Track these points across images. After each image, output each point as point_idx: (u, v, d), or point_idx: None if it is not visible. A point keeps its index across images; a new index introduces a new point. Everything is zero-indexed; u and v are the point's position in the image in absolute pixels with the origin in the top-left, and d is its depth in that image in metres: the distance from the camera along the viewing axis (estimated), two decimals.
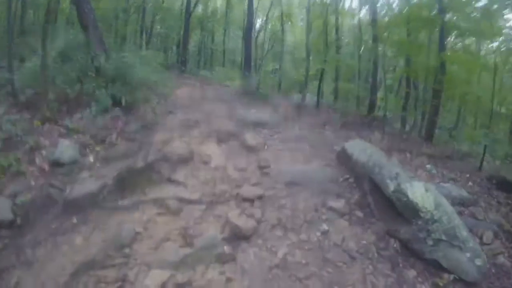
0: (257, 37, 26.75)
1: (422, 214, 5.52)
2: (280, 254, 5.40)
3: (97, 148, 8.00)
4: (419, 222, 5.55)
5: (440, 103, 13.53)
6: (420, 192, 5.71)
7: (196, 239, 5.54)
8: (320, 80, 16.35)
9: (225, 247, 5.40)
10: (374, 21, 17.95)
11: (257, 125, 10.54)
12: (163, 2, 24.93)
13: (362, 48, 22.70)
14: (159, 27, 24.92)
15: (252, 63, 27.19)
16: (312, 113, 14.04)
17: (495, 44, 20.16)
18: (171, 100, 13.29)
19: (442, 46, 12.98)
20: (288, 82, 24.92)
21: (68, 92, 9.07)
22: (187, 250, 5.31)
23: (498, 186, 8.45)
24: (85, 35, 9.99)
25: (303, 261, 5.32)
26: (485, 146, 10.04)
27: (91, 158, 7.66)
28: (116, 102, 9.57)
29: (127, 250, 5.29)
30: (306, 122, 12.30)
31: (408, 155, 10.23)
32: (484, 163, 9.99)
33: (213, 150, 8.53)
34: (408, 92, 15.64)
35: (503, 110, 18.57)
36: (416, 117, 15.71)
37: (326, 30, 17.21)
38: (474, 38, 18.32)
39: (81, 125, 8.47)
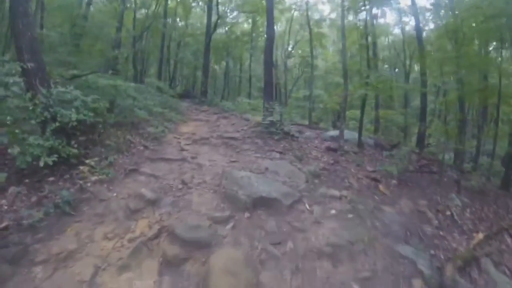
0: (286, 62, 21.40)
1: None
2: None
3: None
4: None
5: None
6: None
7: None
8: (363, 110, 10.61)
9: None
10: (419, 34, 12.71)
11: (261, 205, 5.11)
12: (187, 27, 20.38)
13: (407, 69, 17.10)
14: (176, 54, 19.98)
15: (282, 90, 22.03)
16: (354, 159, 8.37)
17: None
18: (159, 143, 8.26)
19: None
20: (321, 110, 19.33)
21: None
22: None
23: None
24: (18, 61, 5.75)
25: None
26: None
27: None
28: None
29: None
30: (348, 183, 6.66)
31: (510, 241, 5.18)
32: None
33: None
34: (462, 119, 10.32)
35: None
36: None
37: (367, 46, 11.44)
38: None
39: None
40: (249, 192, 5.12)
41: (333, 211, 5.07)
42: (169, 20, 18.82)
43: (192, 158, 7.31)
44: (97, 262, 3.79)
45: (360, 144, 9.94)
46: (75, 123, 5.70)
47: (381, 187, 6.82)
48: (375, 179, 7.20)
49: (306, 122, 14.66)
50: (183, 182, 5.77)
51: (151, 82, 12.88)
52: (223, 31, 21.68)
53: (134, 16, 15.85)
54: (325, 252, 3.98)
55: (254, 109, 16.30)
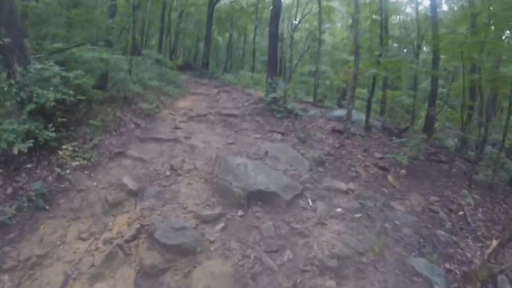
0: (292, 35, 20.15)
1: None
2: None
3: None
4: None
5: None
6: None
7: None
8: (372, 90, 9.81)
9: None
10: (434, 15, 11.54)
11: (257, 200, 4.56)
12: None
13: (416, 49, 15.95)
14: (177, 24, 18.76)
15: (287, 65, 20.95)
16: (360, 143, 7.69)
17: None
18: (152, 120, 7.60)
19: None
20: (326, 87, 18.37)
21: None
22: None
23: None
24: None
25: None
26: None
27: None
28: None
29: None
30: (355, 173, 6.05)
31: None
32: None
33: None
34: (472, 106, 9.56)
35: None
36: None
37: (381, 22, 10.44)
38: None
39: None
40: (245, 184, 4.47)
41: (338, 209, 4.44)
42: None
43: (186, 138, 6.65)
44: (67, 269, 3.26)
45: (367, 126, 9.20)
46: (53, 103, 5.02)
47: (390, 178, 6.18)
48: (383, 168, 6.56)
49: (311, 99, 13.81)
50: (172, 168, 5.14)
51: (149, 53, 11.96)
52: (227, 1, 20.37)
53: None
54: (329, 266, 3.37)
55: (257, 83, 15.46)
